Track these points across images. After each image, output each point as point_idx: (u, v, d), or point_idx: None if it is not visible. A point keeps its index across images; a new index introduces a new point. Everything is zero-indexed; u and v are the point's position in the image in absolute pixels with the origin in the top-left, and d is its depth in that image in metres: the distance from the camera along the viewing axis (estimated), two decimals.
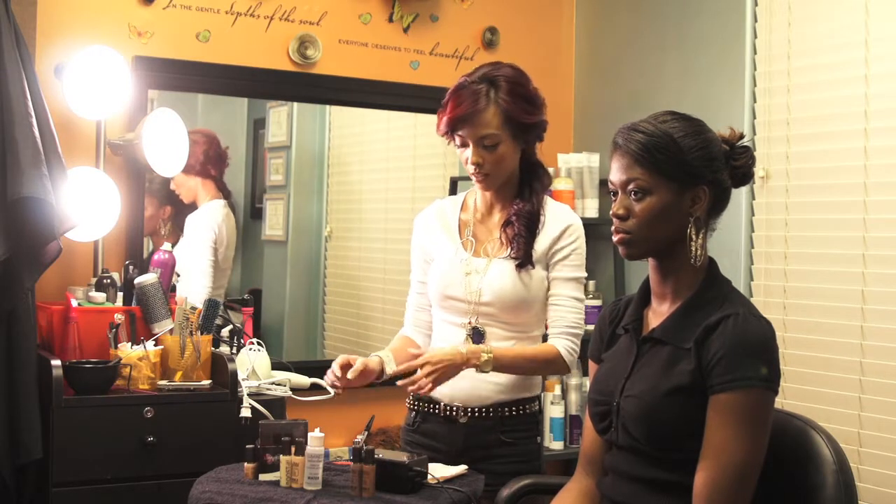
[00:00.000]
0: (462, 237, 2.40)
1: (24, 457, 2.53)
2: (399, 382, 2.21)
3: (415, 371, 2.21)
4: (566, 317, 2.33)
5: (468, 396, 2.31)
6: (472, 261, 2.35)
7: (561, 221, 2.35)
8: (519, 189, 2.37)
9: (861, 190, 2.88)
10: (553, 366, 2.32)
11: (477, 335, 2.33)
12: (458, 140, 2.32)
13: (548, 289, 2.35)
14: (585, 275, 2.38)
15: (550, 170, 3.60)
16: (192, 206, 3.37)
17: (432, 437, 2.36)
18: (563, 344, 2.31)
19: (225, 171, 3.42)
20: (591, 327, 3.55)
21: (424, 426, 2.37)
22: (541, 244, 2.32)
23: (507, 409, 2.32)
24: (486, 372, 2.23)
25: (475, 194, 2.44)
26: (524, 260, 2.30)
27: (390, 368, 2.33)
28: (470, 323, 2.33)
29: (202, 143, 3.27)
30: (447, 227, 2.43)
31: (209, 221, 3.37)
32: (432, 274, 2.40)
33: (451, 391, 2.32)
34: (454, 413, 2.33)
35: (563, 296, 2.33)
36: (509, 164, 2.33)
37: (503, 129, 2.28)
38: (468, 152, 2.30)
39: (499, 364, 2.23)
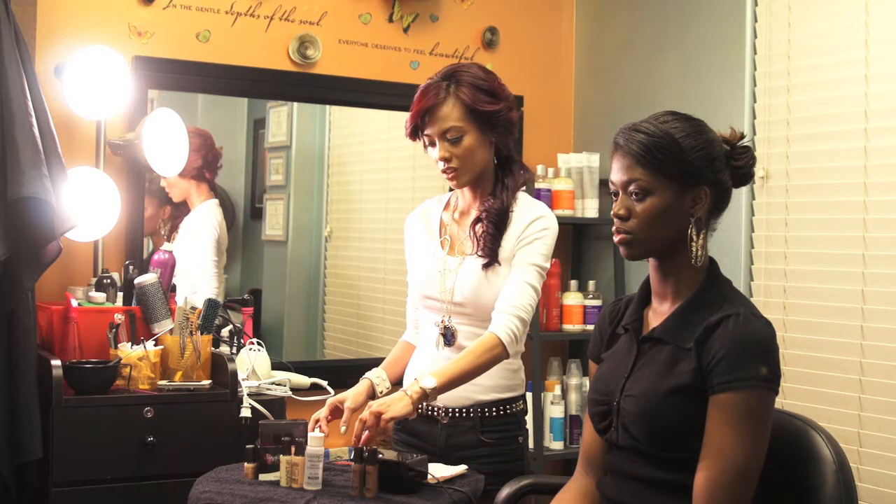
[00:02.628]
0: (441, 236, 2.40)
1: (24, 457, 2.53)
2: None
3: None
4: (514, 298, 2.22)
5: (449, 397, 2.26)
6: (447, 259, 2.35)
7: (529, 214, 2.31)
8: (493, 187, 2.36)
9: (861, 190, 2.88)
10: (495, 353, 2.19)
11: (449, 334, 2.32)
12: (426, 140, 2.31)
13: None
14: (547, 266, 2.29)
15: (550, 170, 3.66)
16: (184, 206, 3.36)
17: (417, 437, 2.36)
18: (504, 324, 2.20)
19: (216, 170, 3.39)
20: (591, 327, 3.58)
21: (409, 425, 2.36)
22: (508, 241, 2.30)
23: (487, 409, 2.30)
24: (437, 393, 2.14)
25: (457, 193, 2.44)
26: (490, 259, 2.28)
27: (381, 389, 2.34)
28: (443, 322, 2.33)
29: (197, 146, 3.25)
30: (429, 226, 2.43)
31: (211, 221, 3.36)
32: (413, 274, 2.42)
33: None
34: (436, 413, 2.33)
35: (517, 280, 2.25)
36: (479, 158, 2.30)
37: (466, 121, 2.26)
38: (436, 150, 2.30)
39: (444, 384, 2.14)
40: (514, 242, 2.29)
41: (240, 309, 3.14)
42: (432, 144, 2.31)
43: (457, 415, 2.31)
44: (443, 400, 2.27)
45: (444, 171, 2.31)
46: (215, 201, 3.38)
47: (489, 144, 2.32)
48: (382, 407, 2.10)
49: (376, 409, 2.09)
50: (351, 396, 2.29)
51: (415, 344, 2.48)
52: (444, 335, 2.33)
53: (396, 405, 2.10)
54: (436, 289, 2.34)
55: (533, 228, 2.29)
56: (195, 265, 3.25)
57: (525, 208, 2.33)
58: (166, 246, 2.99)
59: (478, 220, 2.32)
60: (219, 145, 3.39)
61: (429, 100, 2.27)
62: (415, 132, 2.33)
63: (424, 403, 2.21)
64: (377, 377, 2.38)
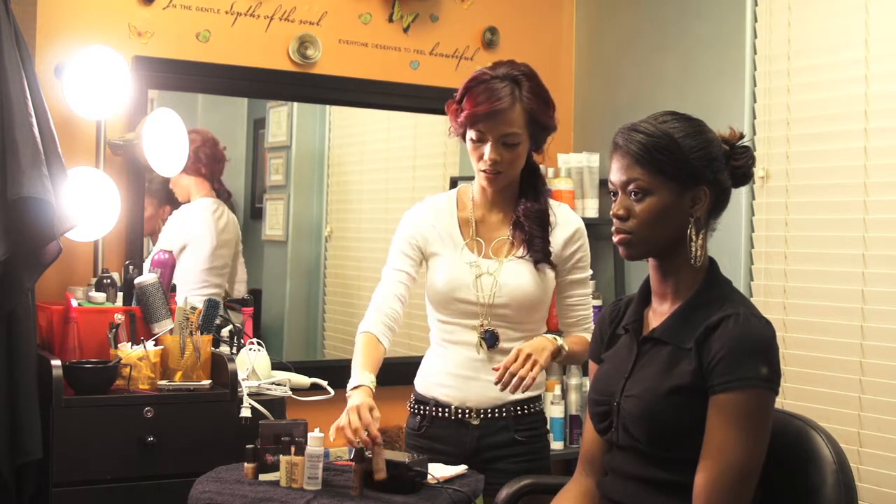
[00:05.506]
0: (466, 237, 2.38)
1: (24, 457, 2.53)
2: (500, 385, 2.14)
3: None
4: (587, 315, 2.42)
5: (480, 398, 2.32)
6: (480, 262, 2.34)
7: (569, 225, 2.38)
8: (521, 189, 2.37)
9: (861, 190, 2.88)
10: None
11: (491, 337, 2.32)
12: (474, 135, 2.28)
13: (556, 289, 2.38)
14: (592, 272, 2.45)
15: (550, 170, 3.66)
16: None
17: (441, 441, 2.35)
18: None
19: (218, 170, 3.39)
20: None
21: (432, 430, 2.36)
22: (552, 245, 2.34)
23: (519, 407, 2.34)
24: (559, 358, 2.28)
25: (470, 192, 2.42)
26: (542, 257, 2.32)
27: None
28: (482, 325, 2.32)
29: (195, 141, 3.24)
30: (445, 225, 2.40)
31: (182, 224, 3.31)
32: (435, 275, 2.37)
33: (462, 394, 2.33)
34: (467, 415, 2.33)
35: (580, 295, 2.41)
36: (521, 165, 2.33)
37: (525, 129, 2.28)
38: (485, 148, 2.27)
39: (570, 354, 2.31)
40: (559, 252, 2.35)
41: (240, 309, 3.14)
42: (481, 141, 2.28)
43: (489, 415, 2.33)
44: (474, 402, 2.32)
45: (485, 171, 2.29)
46: (209, 200, 3.36)
47: (529, 150, 2.35)
48: (536, 353, 2.17)
49: (528, 351, 2.15)
50: (373, 407, 2.15)
51: (382, 340, 2.32)
52: (485, 338, 2.32)
53: (544, 354, 2.19)
54: (471, 292, 2.32)
55: (575, 245, 2.38)
56: (182, 263, 3.23)
57: (562, 216, 2.39)
58: (165, 246, 2.98)
59: (518, 223, 2.34)
60: (221, 145, 3.39)
61: (496, 101, 2.24)
62: (466, 128, 2.29)
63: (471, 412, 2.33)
64: (371, 383, 2.23)
